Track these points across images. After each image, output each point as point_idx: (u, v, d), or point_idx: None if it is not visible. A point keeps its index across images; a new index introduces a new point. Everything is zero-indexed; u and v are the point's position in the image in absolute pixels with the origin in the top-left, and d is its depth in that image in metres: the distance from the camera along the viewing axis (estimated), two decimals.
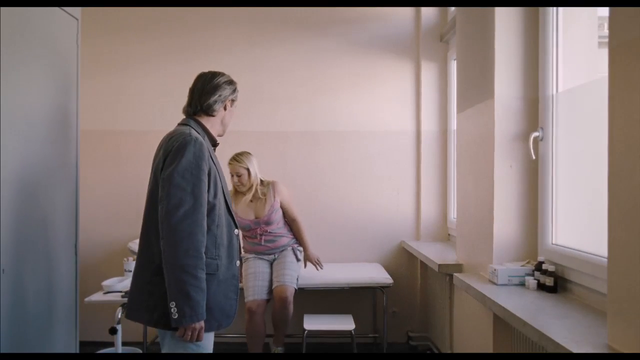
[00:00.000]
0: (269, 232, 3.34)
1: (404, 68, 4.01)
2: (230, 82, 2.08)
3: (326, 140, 4.01)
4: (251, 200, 3.33)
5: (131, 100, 4.03)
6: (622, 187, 1.42)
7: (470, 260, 2.74)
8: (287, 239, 3.41)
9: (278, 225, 3.37)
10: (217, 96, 2.00)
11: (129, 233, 3.86)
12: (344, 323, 3.34)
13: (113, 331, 2.79)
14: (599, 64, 2.11)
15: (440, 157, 3.94)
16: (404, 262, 3.99)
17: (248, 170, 3.28)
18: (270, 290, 3.26)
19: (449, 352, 3.18)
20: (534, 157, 2.31)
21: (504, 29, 2.36)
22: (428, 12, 3.94)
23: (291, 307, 3.19)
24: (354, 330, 3.26)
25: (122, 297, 2.87)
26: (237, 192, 3.37)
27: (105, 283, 3.04)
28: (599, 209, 1.57)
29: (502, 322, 2.13)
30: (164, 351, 1.92)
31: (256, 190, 3.31)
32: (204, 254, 1.78)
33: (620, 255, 1.43)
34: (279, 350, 3.31)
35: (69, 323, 2.89)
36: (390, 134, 4.02)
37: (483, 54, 2.49)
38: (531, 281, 2.16)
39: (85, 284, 3.14)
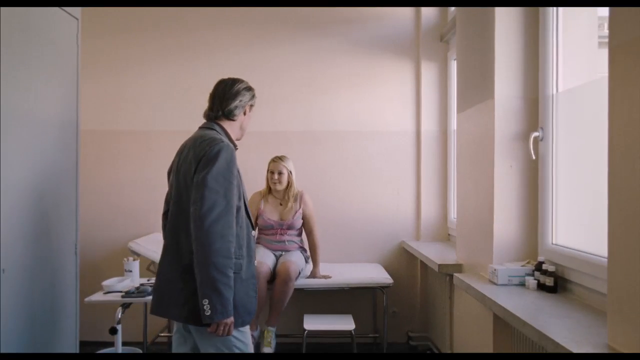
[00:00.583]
0: (287, 235, 3.51)
1: (404, 68, 4.01)
2: (250, 89, 2.16)
3: (326, 140, 4.01)
4: (280, 204, 3.53)
5: (131, 100, 4.03)
6: (622, 187, 1.42)
7: (470, 260, 2.74)
8: (296, 246, 3.57)
9: (296, 232, 3.55)
10: (237, 102, 2.09)
11: (129, 233, 3.86)
12: (344, 323, 3.34)
13: (113, 331, 2.78)
14: (599, 64, 2.11)
15: (440, 157, 3.94)
16: (404, 262, 3.99)
17: (288, 171, 3.48)
18: (274, 272, 3.35)
19: (449, 352, 3.18)
20: (534, 157, 2.31)
21: (504, 29, 2.36)
22: (428, 12, 3.94)
23: (292, 285, 3.27)
24: (354, 330, 3.26)
25: (122, 297, 2.86)
26: (269, 193, 3.56)
27: (105, 283, 3.04)
28: (599, 209, 1.57)
29: (502, 322, 2.13)
30: (200, 346, 1.98)
31: (288, 193, 3.50)
32: (233, 254, 1.87)
33: (620, 255, 1.43)
34: (271, 330, 3.30)
35: (69, 323, 2.89)
36: (391, 134, 4.02)
37: (483, 54, 2.49)
38: (531, 281, 2.16)
39: (85, 284, 3.14)
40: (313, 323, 3.31)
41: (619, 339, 1.44)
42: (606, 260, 1.51)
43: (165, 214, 2.12)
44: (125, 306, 2.89)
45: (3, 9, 2.25)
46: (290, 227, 3.50)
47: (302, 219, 3.53)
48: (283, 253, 3.49)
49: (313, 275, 3.46)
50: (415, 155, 4.01)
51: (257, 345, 3.29)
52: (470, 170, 2.73)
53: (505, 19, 2.35)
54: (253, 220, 2.70)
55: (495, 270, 2.26)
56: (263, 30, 4.02)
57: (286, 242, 3.51)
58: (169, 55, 4.01)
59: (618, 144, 1.44)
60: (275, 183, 3.47)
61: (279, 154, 3.56)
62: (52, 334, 2.71)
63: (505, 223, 2.37)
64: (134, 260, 3.17)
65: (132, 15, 4.01)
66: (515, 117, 2.36)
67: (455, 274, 2.56)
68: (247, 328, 2.02)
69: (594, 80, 2.07)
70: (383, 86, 4.02)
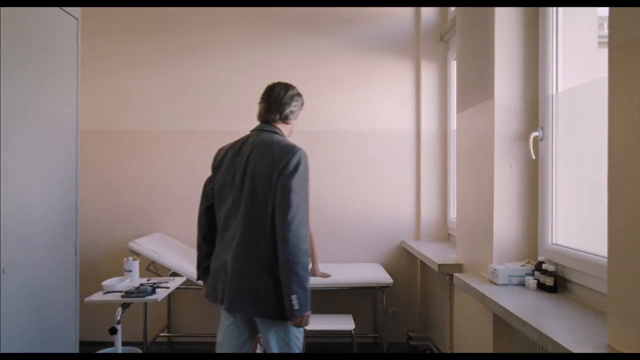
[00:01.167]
0: None
1: (404, 68, 4.01)
2: (300, 95, 2.29)
3: (326, 140, 4.01)
4: None
5: (131, 100, 4.03)
6: (622, 187, 1.42)
7: (470, 260, 2.74)
8: None
9: None
10: (293, 106, 2.23)
11: (129, 233, 3.86)
12: (344, 323, 3.34)
13: (113, 331, 2.78)
14: (599, 64, 2.11)
15: (440, 157, 3.94)
16: (404, 262, 3.99)
17: None
18: None
19: (449, 352, 3.18)
20: (534, 157, 2.31)
21: (504, 29, 2.36)
22: (428, 12, 3.94)
23: None
24: (354, 330, 3.26)
25: (122, 297, 2.86)
26: None
27: (105, 283, 3.04)
28: (599, 209, 1.57)
29: (502, 322, 2.13)
30: (271, 340, 2.07)
31: None
32: None
33: (620, 255, 1.43)
34: None
35: (69, 323, 2.89)
36: (390, 134, 4.02)
37: (483, 54, 2.49)
38: (531, 281, 2.16)
39: (85, 284, 3.14)
40: (313, 323, 3.24)
41: (619, 339, 1.44)
42: (606, 260, 1.51)
43: (206, 209, 2.23)
44: (125, 306, 2.89)
45: (3, 9, 2.25)
46: None
47: None
48: None
49: (313, 273, 3.44)
50: (415, 155, 4.01)
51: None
52: (470, 170, 2.73)
53: (505, 19, 2.35)
54: None
55: (495, 270, 2.26)
56: (263, 30, 4.02)
57: None
58: (169, 55, 4.02)
59: (618, 144, 1.44)
60: None
61: None
62: (52, 334, 2.71)
63: (505, 223, 2.37)
64: (133, 260, 3.18)
65: (132, 16, 4.01)
66: (515, 117, 2.36)
67: (455, 274, 2.56)
68: None
69: (594, 80, 2.06)
70: (383, 86, 4.02)
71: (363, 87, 4.01)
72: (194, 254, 3.88)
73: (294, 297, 1.94)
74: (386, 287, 3.50)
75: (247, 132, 2.25)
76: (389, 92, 4.02)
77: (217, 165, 2.20)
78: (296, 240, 1.95)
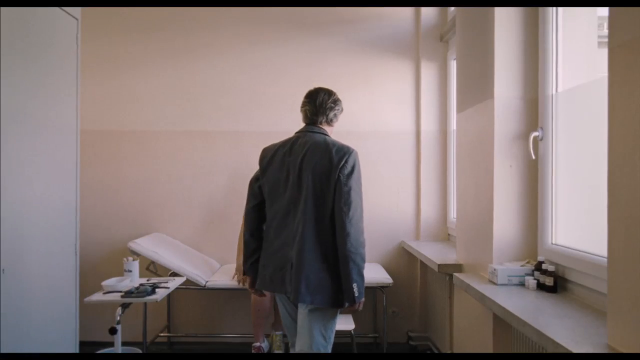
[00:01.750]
0: None
1: (403, 68, 4.01)
2: (340, 99, 2.43)
3: None
4: None
5: (131, 100, 4.03)
6: (621, 187, 1.42)
7: (470, 260, 2.74)
8: None
9: None
10: (336, 110, 2.39)
11: (129, 233, 3.86)
12: (344, 323, 3.33)
13: (113, 331, 2.79)
14: (599, 64, 2.11)
15: (440, 157, 3.94)
16: (404, 262, 3.99)
17: None
18: None
19: (449, 352, 3.18)
20: (533, 157, 2.31)
21: (504, 29, 2.36)
22: (428, 12, 3.94)
23: None
24: (353, 330, 3.26)
25: (122, 297, 2.86)
26: None
27: (105, 283, 3.04)
28: (599, 209, 1.57)
29: (502, 322, 2.13)
30: (311, 325, 2.25)
31: None
32: None
33: (620, 255, 1.43)
34: (278, 334, 3.39)
35: (69, 323, 2.89)
36: (390, 134, 4.02)
37: (483, 54, 2.49)
38: (531, 281, 2.16)
39: (85, 284, 3.13)
40: None
41: (619, 339, 1.44)
42: (606, 260, 1.51)
43: (254, 207, 2.37)
44: (125, 306, 2.89)
45: (3, 9, 2.25)
46: None
47: None
48: None
49: None
50: (415, 155, 4.01)
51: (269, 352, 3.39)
52: (470, 170, 2.73)
53: (505, 19, 2.35)
54: None
55: (495, 270, 2.26)
56: (263, 30, 4.02)
57: None
58: (169, 55, 4.02)
59: (618, 144, 1.44)
60: None
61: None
62: (52, 333, 2.71)
63: (505, 223, 2.37)
64: (133, 260, 3.18)
65: (132, 16, 4.01)
66: (515, 117, 2.36)
67: (455, 274, 2.56)
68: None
69: (594, 80, 2.06)
70: (383, 86, 4.02)
71: (363, 87, 4.01)
72: (194, 254, 3.92)
73: (354, 285, 2.16)
74: (386, 287, 3.50)
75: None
76: (389, 92, 4.02)
77: (265, 165, 2.33)
78: (357, 233, 2.19)
